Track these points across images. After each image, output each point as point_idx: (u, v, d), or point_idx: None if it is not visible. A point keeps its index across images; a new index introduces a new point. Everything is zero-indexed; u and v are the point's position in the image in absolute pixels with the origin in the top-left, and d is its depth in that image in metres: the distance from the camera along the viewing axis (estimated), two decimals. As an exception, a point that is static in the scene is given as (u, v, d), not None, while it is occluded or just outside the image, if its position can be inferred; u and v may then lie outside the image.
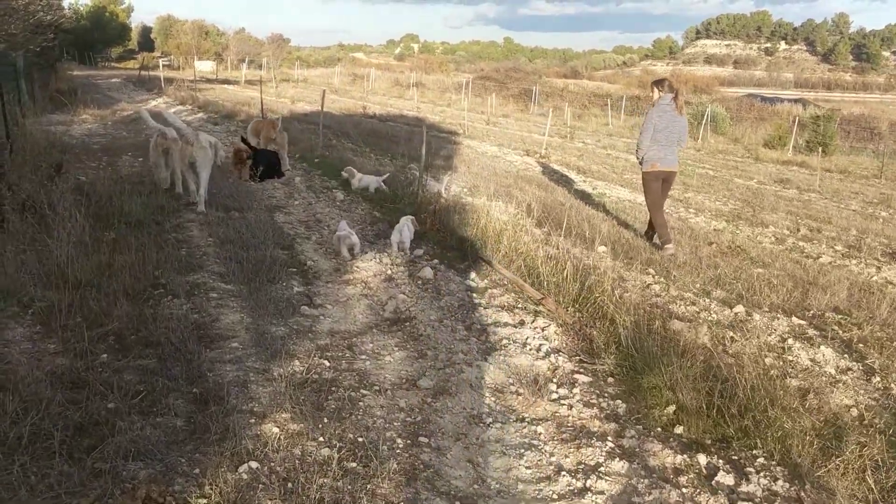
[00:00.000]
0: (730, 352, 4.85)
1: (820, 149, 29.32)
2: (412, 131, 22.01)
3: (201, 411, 3.73)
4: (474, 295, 6.03)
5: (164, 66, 46.88)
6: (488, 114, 32.53)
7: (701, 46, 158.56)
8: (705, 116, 33.36)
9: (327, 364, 4.48)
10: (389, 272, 6.49)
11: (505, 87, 49.59)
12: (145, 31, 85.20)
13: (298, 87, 45.28)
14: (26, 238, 6.36)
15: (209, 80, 44.17)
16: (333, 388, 4.16)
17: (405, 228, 7.14)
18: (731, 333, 5.21)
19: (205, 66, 60.74)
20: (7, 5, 12.47)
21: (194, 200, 8.55)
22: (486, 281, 6.38)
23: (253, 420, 3.71)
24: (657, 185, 8.58)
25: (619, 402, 4.27)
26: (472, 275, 6.47)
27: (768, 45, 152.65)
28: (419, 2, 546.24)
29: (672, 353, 4.49)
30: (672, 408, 4.03)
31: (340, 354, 4.67)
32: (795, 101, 45.38)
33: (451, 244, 7.32)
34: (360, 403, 4.03)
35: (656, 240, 8.68)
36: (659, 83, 8.54)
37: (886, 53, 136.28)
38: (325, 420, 3.79)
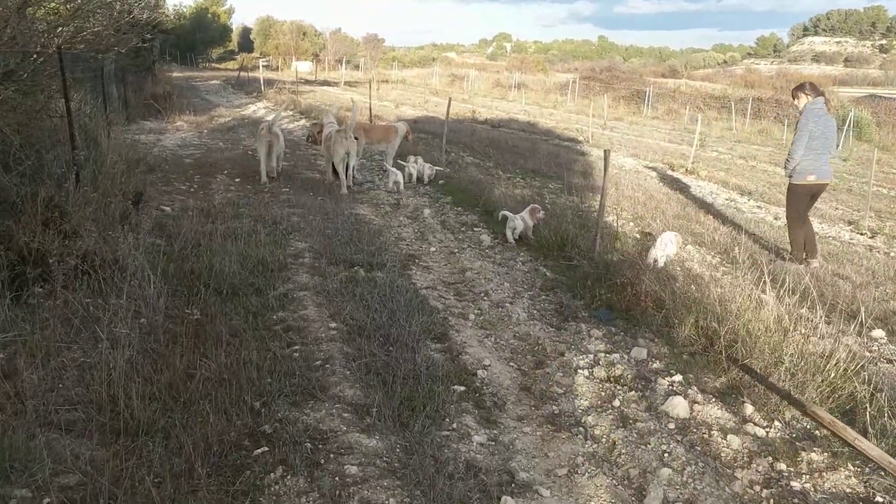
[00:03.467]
0: None
1: None
2: (532, 140, 19.68)
3: None
4: (778, 465, 3.58)
5: (262, 66, 45.97)
6: (601, 117, 29.79)
7: (808, 44, 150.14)
8: (848, 121, 29.68)
9: None
10: (612, 394, 4.16)
11: (611, 88, 46.53)
12: (245, 32, 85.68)
13: (397, 88, 43.56)
14: (72, 327, 4.34)
15: (308, 82, 42.95)
16: None
17: None
18: None
19: (303, 67, 60.02)
20: (94, -1, 10.79)
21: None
22: (779, 426, 3.93)
23: None
24: (806, 200, 7.85)
25: None
26: (748, 408, 4.04)
27: (883, 41, 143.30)
28: (512, 1, 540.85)
29: None
30: None
31: None
32: None
33: (685, 337, 4.92)
34: None
35: (790, 261, 7.71)
36: (802, 88, 7.88)
37: None
38: None
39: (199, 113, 19.72)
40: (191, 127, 17.17)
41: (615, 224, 8.87)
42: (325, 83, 43.70)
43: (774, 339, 4.49)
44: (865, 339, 5.48)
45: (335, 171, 10.28)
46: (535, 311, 5.56)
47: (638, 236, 8.62)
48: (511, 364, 4.58)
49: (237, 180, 10.42)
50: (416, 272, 6.39)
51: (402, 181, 10.27)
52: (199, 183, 10.15)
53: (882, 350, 5.39)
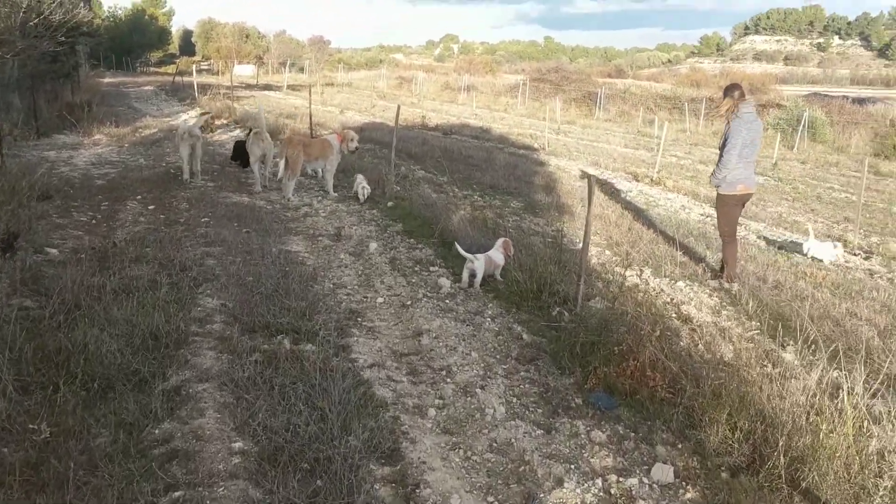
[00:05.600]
0: None
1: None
2: (487, 148, 18.43)
3: None
4: None
5: (201, 70, 43.92)
6: (554, 121, 28.68)
7: (750, 43, 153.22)
8: (802, 122, 29.17)
9: None
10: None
11: (561, 90, 45.64)
12: (187, 35, 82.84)
13: (343, 91, 41.95)
14: None
15: (249, 86, 41.05)
16: None
17: None
18: None
19: (245, 71, 57.88)
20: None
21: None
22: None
23: None
24: (738, 210, 7.54)
25: None
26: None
27: (821, 40, 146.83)
28: (461, 2, 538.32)
29: None
30: None
31: None
32: (858, 100, 40.44)
33: (718, 444, 3.65)
34: None
35: (722, 279, 7.26)
36: (733, 89, 7.40)
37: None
38: None
39: (122, 124, 17.93)
40: (111, 140, 15.43)
41: (592, 255, 7.65)
42: (268, 87, 41.84)
43: (852, 456, 3.25)
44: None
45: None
46: (515, 400, 4.23)
47: (621, 271, 7.40)
48: (490, 502, 3.25)
49: (151, 207, 8.90)
50: (359, 339, 5.01)
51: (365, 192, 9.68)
52: (105, 212, 8.61)
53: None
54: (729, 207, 7.39)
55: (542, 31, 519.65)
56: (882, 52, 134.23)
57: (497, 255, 6.43)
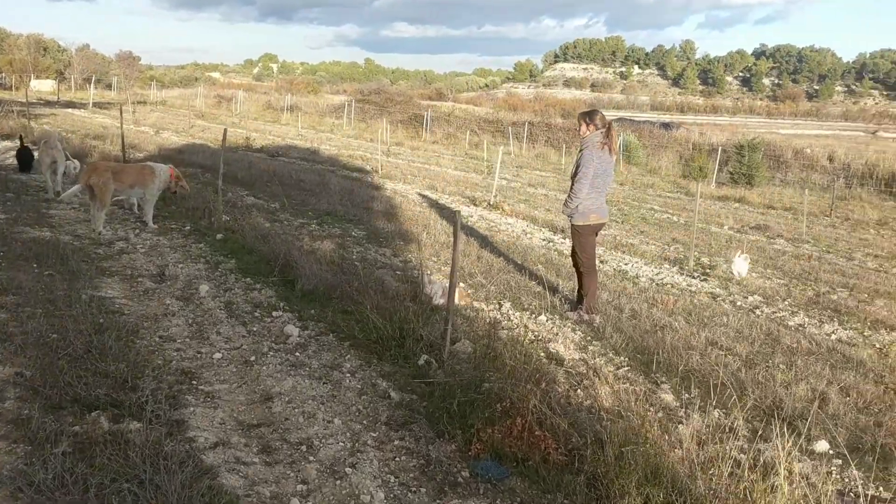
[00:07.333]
0: None
1: (745, 181, 27.46)
2: (318, 172, 17.67)
3: None
4: None
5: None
6: (384, 143, 28.32)
7: (559, 70, 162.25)
8: (619, 146, 30.71)
9: None
10: None
11: (386, 111, 45.56)
12: (-28, 47, 74.93)
13: (158, 110, 39.38)
14: None
15: (49, 103, 37.48)
16: None
17: None
18: None
19: (44, 86, 53.13)
20: None
21: None
22: None
23: None
24: (593, 239, 7.30)
25: None
26: None
27: (623, 69, 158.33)
28: (279, 22, 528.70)
29: None
30: None
31: None
32: (664, 124, 43.76)
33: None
34: None
35: (582, 312, 7.03)
36: (589, 116, 7.08)
37: (729, 78, 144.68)
38: None
39: None
40: None
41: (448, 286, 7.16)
42: (71, 104, 38.41)
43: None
44: (823, 464, 4.13)
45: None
46: (393, 479, 3.58)
47: (479, 306, 6.96)
48: None
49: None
50: (196, 410, 4.15)
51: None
52: None
53: (847, 480, 4.04)
54: (584, 237, 7.14)
55: (362, 53, 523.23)
56: (675, 82, 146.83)
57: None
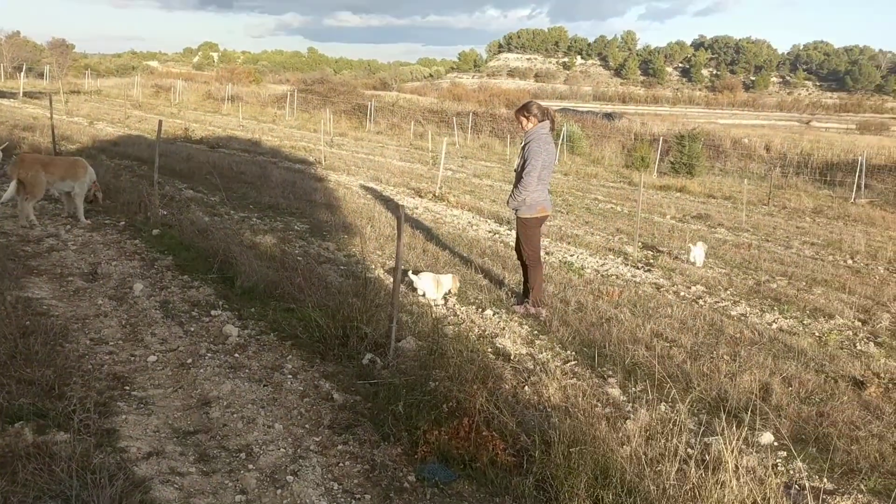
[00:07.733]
0: None
1: (686, 170, 27.91)
2: (260, 163, 17.30)
3: None
4: None
5: None
6: (327, 133, 27.94)
7: (504, 60, 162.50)
8: (562, 136, 30.96)
9: None
10: None
11: (330, 101, 45.03)
12: None
13: (92, 99, 38.16)
14: None
15: (-25, 93, 36.01)
16: None
17: None
18: None
19: (-30, 76, 51.08)
20: None
21: None
22: None
23: None
24: (539, 231, 7.19)
25: None
26: None
27: (566, 59, 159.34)
28: (219, 10, 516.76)
29: None
30: None
31: None
32: (606, 115, 44.45)
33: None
34: None
35: (528, 305, 6.96)
36: (527, 109, 6.92)
37: (669, 69, 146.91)
38: None
39: None
40: None
41: (392, 282, 7.03)
42: (-1, 94, 36.99)
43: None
44: (769, 456, 4.15)
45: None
46: (337, 487, 3.46)
47: (424, 301, 6.85)
48: None
49: None
50: (128, 418, 3.95)
51: None
52: None
53: (792, 473, 4.07)
54: (531, 230, 7.04)
55: (305, 43, 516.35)
56: (617, 72, 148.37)
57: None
